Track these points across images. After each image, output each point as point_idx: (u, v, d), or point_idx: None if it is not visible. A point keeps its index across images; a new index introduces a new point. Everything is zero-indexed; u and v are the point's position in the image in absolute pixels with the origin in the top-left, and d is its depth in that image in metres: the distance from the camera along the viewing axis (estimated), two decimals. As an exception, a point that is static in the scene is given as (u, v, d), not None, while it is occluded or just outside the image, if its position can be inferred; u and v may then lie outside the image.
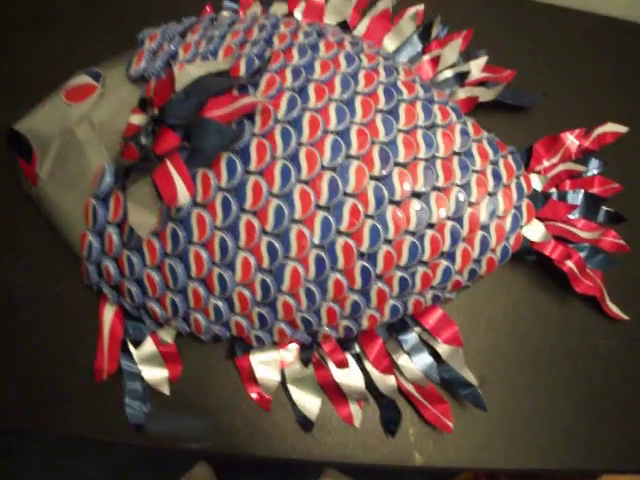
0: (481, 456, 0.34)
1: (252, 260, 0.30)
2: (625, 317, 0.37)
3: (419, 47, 0.39)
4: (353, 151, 0.30)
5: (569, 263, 0.35)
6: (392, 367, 0.34)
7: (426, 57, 0.38)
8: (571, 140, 0.37)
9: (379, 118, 0.31)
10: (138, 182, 0.29)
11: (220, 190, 0.29)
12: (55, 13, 0.40)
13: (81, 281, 0.34)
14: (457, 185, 0.32)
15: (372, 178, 0.30)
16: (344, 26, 0.39)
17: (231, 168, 0.29)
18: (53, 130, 0.33)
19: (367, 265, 0.31)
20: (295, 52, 0.32)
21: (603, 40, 0.44)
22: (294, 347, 0.34)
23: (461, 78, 0.38)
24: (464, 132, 0.33)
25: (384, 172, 0.31)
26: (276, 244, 0.30)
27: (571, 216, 0.36)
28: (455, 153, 0.33)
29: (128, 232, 0.30)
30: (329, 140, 0.30)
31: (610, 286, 0.37)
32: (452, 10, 0.41)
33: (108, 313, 0.34)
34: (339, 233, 0.30)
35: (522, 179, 0.35)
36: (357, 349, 0.34)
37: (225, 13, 0.38)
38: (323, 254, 0.30)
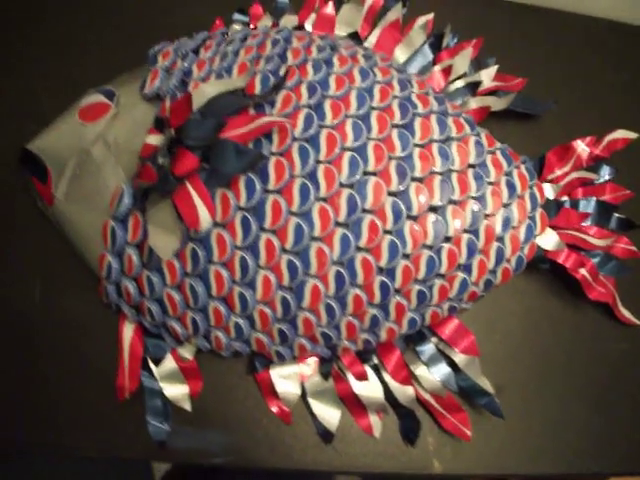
0: (499, 462, 0.35)
1: (273, 278, 0.30)
2: (637, 322, 0.37)
3: (430, 57, 0.39)
4: (370, 167, 0.30)
5: (582, 271, 0.35)
6: (410, 378, 0.34)
7: (437, 67, 0.38)
8: (582, 148, 0.37)
9: (395, 133, 0.31)
10: (158, 204, 0.29)
11: (239, 209, 0.30)
12: (64, 30, 0.40)
13: (99, 299, 0.34)
14: (473, 198, 0.32)
15: (390, 194, 0.31)
16: (355, 37, 0.39)
17: (250, 187, 0.29)
18: (67, 150, 0.33)
19: (386, 280, 0.31)
20: (309, 68, 0.32)
21: (613, 45, 0.44)
22: (313, 360, 0.34)
23: (473, 88, 0.38)
24: (478, 144, 0.34)
25: (401, 187, 0.31)
26: (296, 262, 0.30)
27: (583, 223, 0.37)
28: (470, 165, 0.33)
29: (148, 253, 0.31)
30: (346, 157, 0.30)
31: (621, 291, 0.37)
32: (461, 17, 0.41)
33: (127, 331, 0.34)
34: (358, 249, 0.30)
35: (535, 189, 0.35)
36: (375, 360, 0.35)
37: (236, 26, 0.38)
38: (343, 270, 0.30)
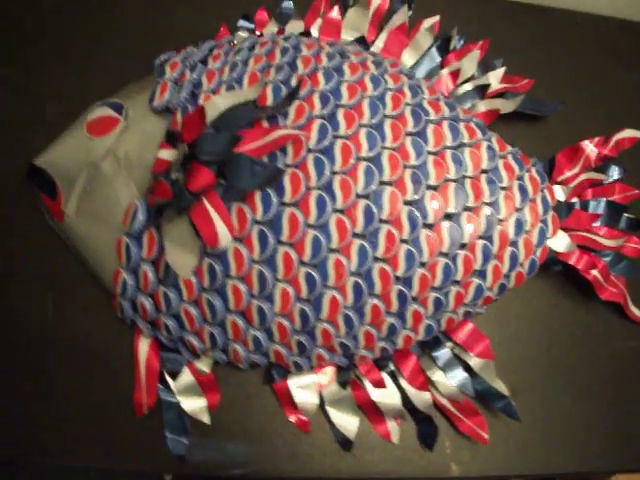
0: (516, 463, 0.35)
1: (291, 291, 0.30)
2: (648, 320, 0.38)
3: (437, 60, 0.39)
4: (386, 177, 0.30)
5: (594, 272, 0.35)
6: (427, 383, 0.34)
7: (445, 70, 0.38)
8: (591, 149, 0.37)
9: (409, 141, 0.31)
10: (173, 220, 0.29)
11: (256, 223, 0.29)
12: (67, 42, 0.39)
13: (112, 314, 0.34)
14: (486, 203, 0.32)
15: (405, 203, 0.30)
16: (361, 41, 0.38)
17: (266, 201, 0.29)
18: (76, 165, 0.33)
19: (403, 289, 0.31)
20: (320, 76, 0.32)
21: (622, 44, 0.44)
22: (330, 369, 0.34)
23: (481, 90, 0.38)
24: (490, 149, 0.34)
25: (416, 196, 0.31)
26: (314, 274, 0.30)
27: (593, 224, 0.37)
28: (483, 171, 0.33)
29: (164, 269, 0.30)
30: (362, 167, 0.30)
31: (631, 289, 0.38)
32: (466, 18, 0.41)
33: (143, 346, 0.34)
34: (375, 259, 0.30)
35: (546, 191, 0.35)
36: (391, 367, 0.35)
37: (241, 33, 0.38)
38: (360, 281, 0.30)
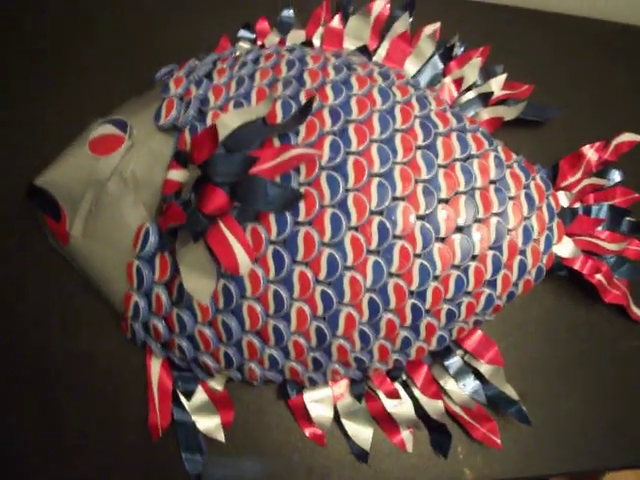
0: (528, 465, 0.36)
1: (307, 309, 0.30)
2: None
3: (440, 68, 0.39)
4: (398, 192, 0.30)
5: (598, 276, 0.36)
6: (440, 392, 0.35)
7: (448, 79, 0.38)
8: (591, 153, 0.38)
9: (419, 155, 0.31)
10: (188, 244, 0.28)
11: (271, 243, 0.29)
12: (63, 57, 0.38)
13: (120, 335, 0.34)
14: (495, 214, 0.33)
15: (418, 218, 0.31)
16: (364, 50, 0.38)
17: (280, 221, 0.29)
18: (80, 185, 0.32)
19: (417, 302, 0.31)
20: (329, 91, 0.31)
21: (618, 48, 0.44)
22: (344, 382, 0.35)
23: (484, 98, 0.38)
24: (497, 159, 0.34)
25: (429, 210, 0.31)
26: (330, 292, 0.30)
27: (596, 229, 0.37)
28: (491, 182, 0.33)
29: (177, 291, 0.30)
30: (375, 184, 0.30)
31: (633, 289, 0.38)
32: (465, 23, 0.41)
33: (155, 367, 0.33)
34: (390, 275, 0.30)
35: (551, 199, 0.35)
36: (404, 376, 0.35)
37: (243, 44, 0.37)
38: (376, 297, 0.30)
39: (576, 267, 0.36)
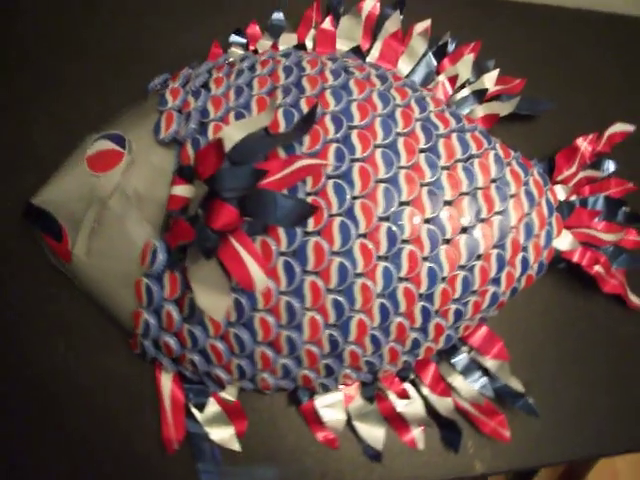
0: (536, 454, 0.37)
1: (319, 318, 0.30)
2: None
3: (434, 66, 0.39)
4: (404, 197, 0.30)
5: (597, 267, 0.37)
6: (448, 389, 0.35)
7: (442, 77, 0.38)
8: (585, 146, 0.38)
9: (422, 158, 0.31)
10: (199, 261, 0.28)
11: (281, 255, 0.29)
12: (53, 69, 0.37)
13: (127, 351, 0.33)
14: (498, 213, 0.33)
15: (425, 221, 0.31)
16: (357, 51, 0.38)
17: (289, 231, 0.29)
18: (80, 203, 0.31)
19: (426, 304, 0.31)
20: (329, 97, 0.31)
21: (607, 37, 0.44)
22: (355, 385, 0.35)
23: (478, 95, 0.38)
24: (497, 157, 0.34)
25: (434, 213, 0.31)
26: (341, 300, 0.30)
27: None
28: (492, 180, 0.33)
29: (188, 307, 0.30)
30: (380, 189, 0.30)
31: (630, 278, 0.39)
32: (454, 18, 0.41)
33: (166, 381, 0.33)
34: (399, 279, 0.30)
35: (549, 193, 0.36)
36: (412, 375, 0.36)
37: (235, 50, 0.36)
38: (386, 302, 0.30)
39: (574, 259, 0.37)
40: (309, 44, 0.38)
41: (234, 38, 0.37)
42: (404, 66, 0.39)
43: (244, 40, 0.37)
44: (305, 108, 0.31)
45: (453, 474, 0.36)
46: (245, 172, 0.27)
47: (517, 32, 0.43)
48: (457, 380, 0.36)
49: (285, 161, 0.28)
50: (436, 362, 0.36)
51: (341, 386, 0.34)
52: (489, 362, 0.36)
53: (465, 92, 0.38)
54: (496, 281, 0.34)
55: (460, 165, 0.32)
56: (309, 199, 0.29)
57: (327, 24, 0.38)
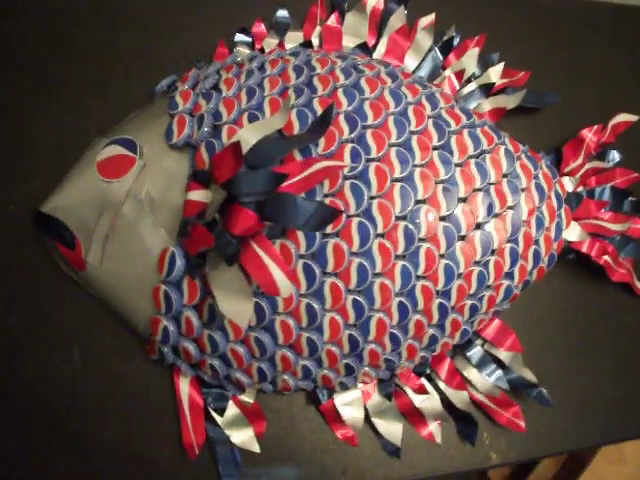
0: (549, 443, 0.38)
1: (339, 319, 0.30)
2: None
3: (440, 61, 0.39)
4: (420, 195, 0.30)
5: (605, 257, 0.37)
6: (464, 383, 0.36)
7: (448, 71, 0.38)
8: (590, 137, 0.39)
9: (436, 156, 0.31)
10: (219, 267, 0.28)
11: (300, 258, 0.29)
12: (56, 72, 0.36)
13: (142, 357, 0.33)
14: (510, 207, 0.33)
15: (440, 219, 0.31)
16: (363, 47, 0.38)
17: (309, 234, 0.29)
18: (93, 211, 0.31)
19: (443, 301, 0.32)
20: (342, 96, 0.31)
21: (609, 28, 0.45)
22: (372, 382, 0.35)
23: (485, 89, 0.38)
24: (508, 152, 0.34)
25: (449, 211, 0.31)
26: (361, 300, 0.30)
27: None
28: (504, 175, 0.34)
29: (207, 312, 0.30)
30: (397, 189, 0.30)
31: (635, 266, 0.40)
32: (456, 11, 0.41)
33: (184, 385, 0.33)
34: (417, 278, 0.31)
35: (557, 186, 0.36)
36: (427, 370, 0.36)
37: (241, 49, 0.36)
38: (405, 300, 0.31)
39: (583, 250, 0.37)
40: (315, 41, 0.37)
41: (239, 37, 0.37)
42: (410, 61, 0.39)
43: (249, 39, 0.37)
44: (318, 108, 0.30)
45: (470, 466, 0.37)
46: (264, 176, 0.27)
47: (520, 24, 0.43)
48: (472, 373, 0.36)
49: (303, 163, 0.28)
50: (451, 356, 0.36)
51: (359, 384, 0.35)
52: (503, 354, 0.36)
53: (472, 86, 0.38)
54: (510, 275, 0.34)
55: (472, 161, 0.32)
56: (327, 201, 0.29)
57: (332, 21, 0.37)
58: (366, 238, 0.29)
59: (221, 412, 0.33)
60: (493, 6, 0.43)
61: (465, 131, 0.33)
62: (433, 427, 0.36)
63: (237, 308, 0.27)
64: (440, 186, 0.31)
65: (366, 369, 0.33)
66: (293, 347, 0.30)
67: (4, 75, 0.36)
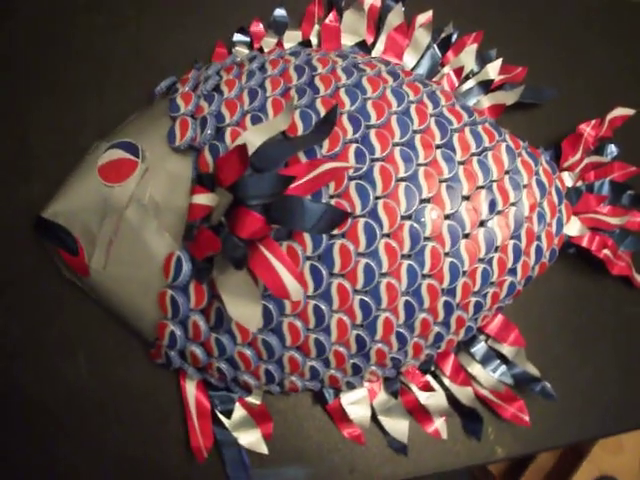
0: (553, 436, 0.38)
1: (347, 319, 0.30)
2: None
3: (439, 58, 0.38)
4: (424, 194, 0.30)
5: (605, 251, 0.38)
6: (468, 379, 0.36)
7: (447, 69, 0.38)
8: (588, 132, 0.39)
9: (439, 155, 0.31)
10: (227, 271, 0.27)
11: (307, 259, 0.29)
12: (53, 75, 0.35)
13: (146, 361, 0.33)
14: (513, 204, 0.33)
15: (445, 217, 0.31)
16: (362, 45, 0.37)
17: (315, 236, 0.29)
18: (95, 216, 0.30)
19: (448, 299, 0.32)
20: (344, 96, 0.31)
21: (613, 23, 0.45)
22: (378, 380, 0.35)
23: (484, 85, 0.38)
24: (509, 149, 0.34)
25: (454, 209, 0.31)
26: (368, 300, 0.30)
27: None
28: (505, 172, 0.34)
29: (215, 316, 0.29)
30: (402, 188, 0.30)
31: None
32: (454, 8, 0.41)
33: (190, 388, 0.33)
34: (423, 276, 0.31)
35: (557, 181, 0.36)
36: (432, 367, 0.36)
37: (239, 48, 0.35)
38: (411, 299, 0.31)
39: (583, 244, 0.38)
40: (314, 40, 0.37)
41: (238, 37, 0.36)
42: (409, 59, 0.39)
43: (248, 39, 0.37)
44: (321, 108, 0.30)
45: (476, 460, 0.37)
46: (271, 179, 0.27)
47: (517, 19, 0.43)
48: (476, 369, 0.36)
49: (308, 165, 0.28)
50: (455, 352, 0.37)
51: (365, 383, 0.35)
52: (506, 349, 0.37)
53: (470, 83, 0.38)
54: (513, 271, 0.34)
55: (475, 159, 0.33)
56: (333, 202, 0.29)
57: (330, 19, 0.37)
58: (372, 238, 0.29)
59: (228, 414, 0.33)
60: (489, 1, 0.43)
61: (467, 129, 0.33)
62: (439, 423, 0.36)
63: (247, 312, 0.27)
64: (444, 184, 0.31)
65: (373, 368, 0.33)
66: (301, 349, 0.30)
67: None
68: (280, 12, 0.38)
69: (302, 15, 0.38)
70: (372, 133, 0.30)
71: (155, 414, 0.33)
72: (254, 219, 0.26)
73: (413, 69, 0.39)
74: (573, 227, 0.38)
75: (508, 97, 0.38)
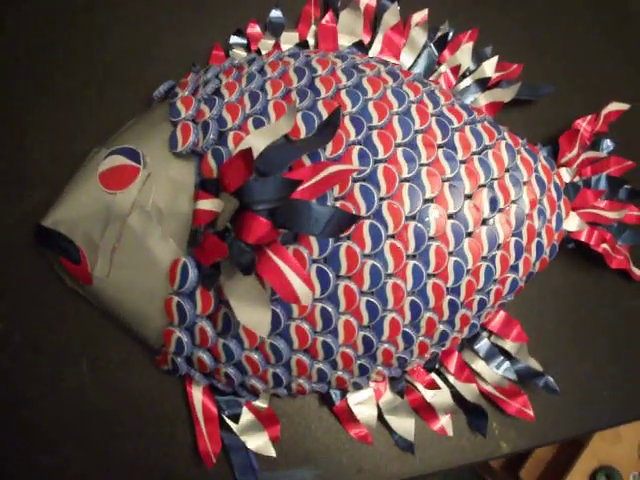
0: (557, 430, 0.38)
1: (353, 321, 0.30)
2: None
3: (435, 57, 0.39)
4: (428, 194, 0.30)
5: (603, 245, 0.38)
6: (473, 376, 0.36)
7: (444, 67, 0.38)
8: (584, 127, 0.39)
9: (441, 154, 0.31)
10: (235, 276, 0.27)
11: (314, 262, 0.29)
12: (49, 79, 0.35)
13: (150, 367, 0.33)
14: (513, 202, 0.34)
15: (448, 217, 0.31)
16: (359, 46, 0.37)
17: (320, 239, 0.29)
18: (97, 223, 0.30)
19: (453, 297, 0.32)
20: (345, 98, 0.31)
21: (607, 18, 0.45)
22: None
23: (481, 83, 0.38)
24: (508, 147, 0.34)
25: (457, 208, 0.31)
26: (374, 301, 0.30)
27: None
28: (506, 170, 0.34)
29: (222, 321, 0.29)
30: (405, 189, 0.30)
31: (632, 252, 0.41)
32: (448, 6, 0.41)
33: (197, 394, 0.33)
34: (428, 276, 0.31)
35: (556, 178, 0.37)
36: (437, 365, 0.36)
37: (237, 51, 0.35)
38: (417, 299, 0.31)
39: (582, 239, 0.38)
40: (311, 41, 0.37)
41: (235, 39, 0.36)
42: (406, 58, 0.39)
43: (245, 41, 0.36)
44: (323, 110, 0.30)
45: (481, 456, 0.37)
46: (276, 183, 0.26)
47: (511, 15, 0.43)
48: (480, 366, 0.36)
49: (313, 168, 0.28)
50: (459, 350, 0.37)
51: (372, 383, 0.35)
52: (509, 345, 0.37)
53: (467, 81, 0.39)
54: (515, 268, 0.34)
55: (476, 157, 0.33)
56: (337, 204, 0.29)
57: (327, 20, 0.37)
58: (378, 240, 0.29)
59: (236, 419, 0.33)
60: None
61: (467, 128, 0.33)
62: (444, 421, 0.36)
63: (256, 317, 0.27)
64: (447, 184, 0.31)
65: (379, 368, 0.33)
66: (308, 351, 0.30)
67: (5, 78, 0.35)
68: (276, 13, 0.37)
69: (298, 16, 0.38)
70: (374, 134, 0.30)
71: (161, 421, 0.33)
72: (261, 224, 0.26)
73: (410, 68, 0.39)
74: (572, 222, 0.38)
75: (505, 94, 0.38)
